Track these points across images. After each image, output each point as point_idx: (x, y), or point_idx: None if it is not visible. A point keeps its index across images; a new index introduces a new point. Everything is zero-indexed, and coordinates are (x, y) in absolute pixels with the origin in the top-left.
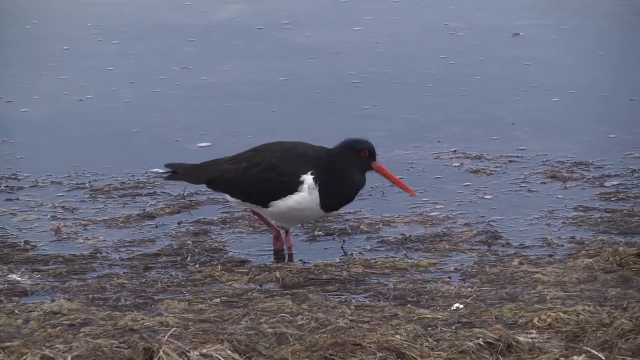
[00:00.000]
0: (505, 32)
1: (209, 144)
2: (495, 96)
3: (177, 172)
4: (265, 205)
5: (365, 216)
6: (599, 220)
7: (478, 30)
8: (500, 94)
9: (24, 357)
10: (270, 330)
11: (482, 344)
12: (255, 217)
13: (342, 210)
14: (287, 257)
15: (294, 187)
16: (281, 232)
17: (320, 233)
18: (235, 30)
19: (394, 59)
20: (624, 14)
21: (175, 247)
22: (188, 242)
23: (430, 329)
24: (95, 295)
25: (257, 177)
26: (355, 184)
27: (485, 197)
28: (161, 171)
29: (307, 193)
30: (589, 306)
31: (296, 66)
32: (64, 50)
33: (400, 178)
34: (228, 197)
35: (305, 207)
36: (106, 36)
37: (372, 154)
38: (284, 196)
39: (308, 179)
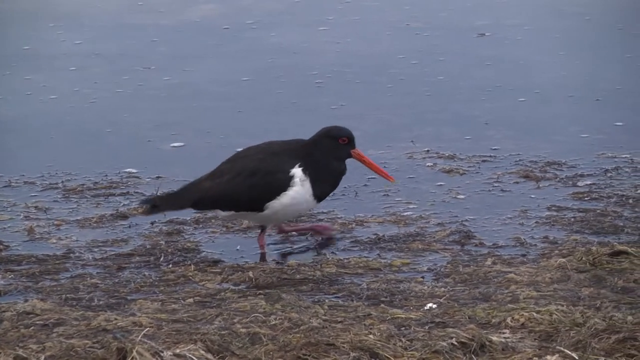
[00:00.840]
0: (471, 32)
1: (181, 144)
2: (464, 96)
3: (156, 205)
4: (261, 209)
5: (339, 216)
6: (572, 219)
7: (442, 30)
8: (468, 94)
9: None
10: (243, 330)
11: (455, 343)
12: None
13: (315, 210)
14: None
15: (285, 184)
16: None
17: (293, 233)
18: (204, 30)
19: (356, 58)
20: (589, 14)
21: (148, 247)
22: (161, 242)
23: (403, 328)
24: (68, 295)
25: (244, 185)
26: (337, 171)
27: (458, 196)
28: (134, 170)
29: (299, 186)
30: (562, 306)
31: (262, 66)
32: (26, 49)
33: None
34: (220, 212)
35: (301, 200)
36: (71, 36)
37: (350, 141)
38: (277, 195)
39: (297, 172)
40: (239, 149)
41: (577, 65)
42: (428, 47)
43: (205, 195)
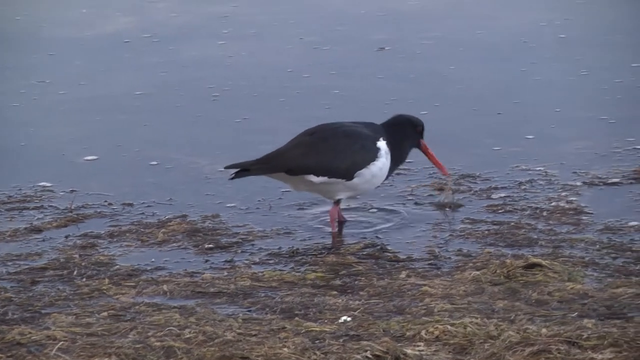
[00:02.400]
0: (371, 46)
1: (95, 157)
2: (370, 109)
3: (247, 169)
4: (351, 177)
5: (254, 229)
6: (486, 232)
7: (340, 44)
8: (374, 107)
9: None
10: (158, 344)
11: (370, 356)
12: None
13: (230, 223)
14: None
15: (374, 154)
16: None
17: (210, 245)
18: (118, 43)
19: (251, 72)
20: (494, 26)
21: (62, 260)
22: (75, 256)
23: (317, 341)
24: None
25: (344, 151)
26: (406, 155)
27: (372, 209)
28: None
29: (385, 158)
30: (476, 318)
31: (162, 79)
32: None
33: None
34: (313, 178)
35: (385, 172)
36: None
37: (422, 132)
38: (368, 164)
39: (382, 144)
40: (154, 163)
41: (476, 77)
42: (325, 60)
43: (302, 160)
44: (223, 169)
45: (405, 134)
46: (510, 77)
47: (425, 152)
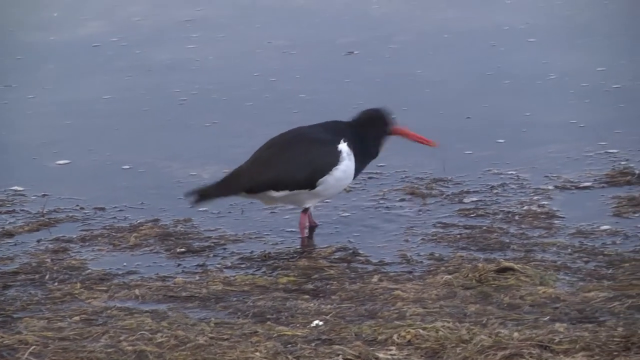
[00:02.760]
0: (339, 50)
1: (67, 161)
2: (338, 114)
3: (206, 195)
4: (314, 186)
5: (227, 233)
6: (458, 236)
7: (309, 48)
8: (345, 111)
9: None
10: (130, 348)
11: None
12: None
13: (202, 227)
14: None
15: (335, 159)
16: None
17: (182, 249)
18: (89, 47)
19: (219, 76)
20: (456, 29)
21: (34, 264)
22: (47, 260)
23: (289, 345)
24: None
25: (299, 164)
26: (376, 148)
27: (343, 213)
28: (20, 188)
29: (348, 160)
30: (448, 322)
31: (128, 84)
32: None
33: None
34: (273, 193)
35: (350, 174)
36: None
37: (391, 121)
38: (330, 170)
39: (343, 146)
40: (126, 167)
41: (446, 82)
42: (294, 64)
43: (259, 178)
44: (183, 197)
45: (372, 128)
46: (479, 81)
47: (404, 134)
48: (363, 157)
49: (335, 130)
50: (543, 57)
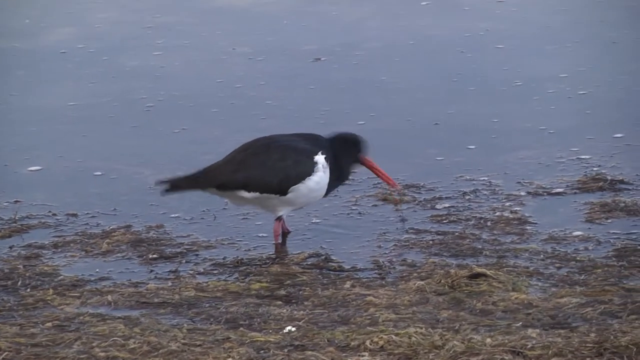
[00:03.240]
0: (306, 57)
1: (39, 167)
2: (305, 120)
3: (178, 185)
4: (285, 192)
5: (199, 239)
6: (431, 242)
7: (275, 55)
8: (306, 118)
9: None
10: (102, 354)
11: None
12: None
13: (174, 233)
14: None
15: (310, 169)
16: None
17: (154, 256)
18: (58, 54)
19: (185, 83)
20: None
21: (6, 271)
22: (19, 266)
23: (262, 351)
24: None
25: (275, 167)
26: (347, 172)
27: (316, 220)
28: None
29: (322, 172)
30: (421, 328)
31: (100, 90)
32: None
33: None
34: (244, 194)
35: (323, 186)
36: None
37: (363, 149)
38: (303, 179)
39: (320, 158)
40: (97, 173)
41: (421, 87)
42: (260, 71)
43: (232, 176)
44: (154, 185)
45: (345, 151)
46: (445, 87)
47: (369, 167)
48: (337, 174)
49: (314, 142)
50: (510, 64)
